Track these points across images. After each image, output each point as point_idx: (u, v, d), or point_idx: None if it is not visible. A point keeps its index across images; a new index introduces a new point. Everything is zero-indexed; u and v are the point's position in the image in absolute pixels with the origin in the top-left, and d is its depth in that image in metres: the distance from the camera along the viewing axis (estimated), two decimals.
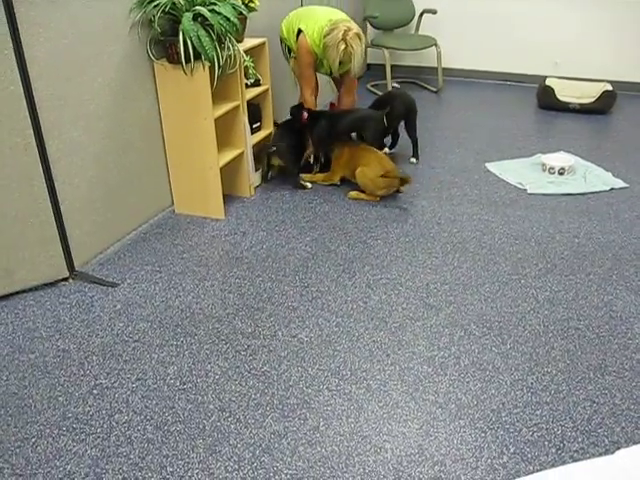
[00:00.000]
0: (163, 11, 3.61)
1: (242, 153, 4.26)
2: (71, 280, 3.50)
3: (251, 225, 4.05)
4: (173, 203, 4.21)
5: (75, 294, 3.40)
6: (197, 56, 3.66)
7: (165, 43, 3.69)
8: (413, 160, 5.00)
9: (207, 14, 3.57)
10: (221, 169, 4.05)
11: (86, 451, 2.45)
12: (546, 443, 2.46)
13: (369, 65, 7.46)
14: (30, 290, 3.41)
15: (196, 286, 3.44)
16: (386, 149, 4.97)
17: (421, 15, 6.83)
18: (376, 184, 4.25)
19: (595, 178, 4.69)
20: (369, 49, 6.94)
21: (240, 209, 4.27)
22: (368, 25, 6.87)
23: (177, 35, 3.58)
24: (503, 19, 6.82)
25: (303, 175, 4.63)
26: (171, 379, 2.80)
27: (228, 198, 4.32)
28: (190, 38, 3.56)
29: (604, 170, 4.82)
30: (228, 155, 4.15)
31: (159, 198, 4.13)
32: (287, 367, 2.85)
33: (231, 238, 3.90)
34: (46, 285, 3.45)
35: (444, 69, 6.75)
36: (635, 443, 2.46)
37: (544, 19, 6.69)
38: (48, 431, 2.54)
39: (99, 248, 3.72)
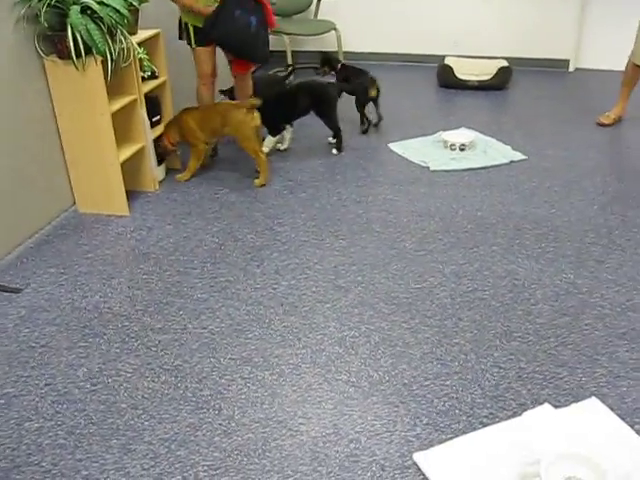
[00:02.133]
0: (49, 5, 3.49)
1: (143, 147, 4.18)
2: None
3: (157, 220, 4.00)
4: (76, 202, 4.11)
5: None
6: (88, 50, 3.56)
7: (54, 38, 3.58)
8: (334, 152, 4.94)
9: (95, 6, 3.48)
10: (123, 165, 3.97)
11: None
12: (457, 412, 2.53)
13: (270, 52, 7.42)
14: None
15: (103, 285, 3.37)
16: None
17: (319, 0, 6.85)
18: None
19: (495, 152, 4.82)
20: (270, 36, 6.90)
21: (145, 204, 4.20)
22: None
23: (66, 29, 3.48)
24: (401, 0, 6.90)
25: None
26: (81, 381, 2.74)
27: (132, 194, 4.24)
28: (79, 32, 3.47)
29: (503, 144, 4.96)
30: (128, 150, 4.07)
31: (60, 198, 4.01)
32: (199, 359, 2.83)
33: (137, 234, 3.84)
34: None
35: (345, 53, 6.77)
36: (541, 404, 2.56)
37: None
38: None
39: (0, 253, 3.60)
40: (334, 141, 4.94)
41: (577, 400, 2.57)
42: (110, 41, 3.60)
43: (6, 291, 3.35)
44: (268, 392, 2.64)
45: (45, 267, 3.55)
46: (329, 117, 4.85)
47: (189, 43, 4.45)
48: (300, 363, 2.79)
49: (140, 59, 3.99)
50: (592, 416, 2.52)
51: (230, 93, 5.00)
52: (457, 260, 3.50)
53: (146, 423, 2.52)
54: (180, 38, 4.48)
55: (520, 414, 2.51)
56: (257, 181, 4.40)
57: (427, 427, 2.46)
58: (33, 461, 2.38)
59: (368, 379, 2.70)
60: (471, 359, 2.80)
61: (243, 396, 2.63)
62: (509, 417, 2.50)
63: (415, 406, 2.56)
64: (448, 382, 2.67)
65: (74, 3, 3.49)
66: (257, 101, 4.36)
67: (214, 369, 2.77)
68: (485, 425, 2.47)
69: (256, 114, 4.34)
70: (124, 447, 2.42)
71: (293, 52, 6.48)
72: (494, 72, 6.24)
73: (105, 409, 2.59)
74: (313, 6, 6.89)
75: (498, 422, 2.48)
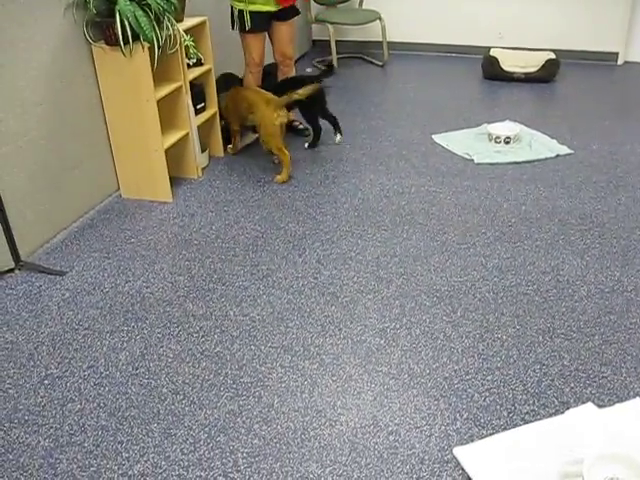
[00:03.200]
0: None
1: (187, 134, 4.20)
2: (17, 271, 3.43)
3: (199, 206, 4.02)
4: (120, 188, 4.15)
5: (22, 285, 3.33)
6: (136, 37, 3.59)
7: (102, 25, 3.62)
8: (338, 138, 4.86)
9: None
10: (167, 151, 4.00)
11: (39, 442, 2.41)
12: (498, 407, 2.50)
13: (314, 41, 7.42)
14: None
15: (145, 270, 3.40)
16: None
17: None
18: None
19: (541, 145, 4.74)
20: (313, 25, 6.91)
21: (188, 191, 4.22)
22: (312, 1, 6.82)
23: (114, 16, 3.50)
24: None
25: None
26: (123, 365, 2.77)
27: (175, 180, 4.27)
28: (127, 19, 3.49)
29: (549, 137, 4.88)
30: (173, 137, 4.10)
31: (105, 183, 4.06)
32: (240, 346, 2.84)
33: (179, 220, 3.87)
34: None
35: (389, 43, 6.74)
36: (583, 402, 2.52)
37: None
38: None
39: (45, 237, 3.65)
40: (339, 137, 4.90)
41: (621, 400, 2.53)
42: (157, 28, 3.62)
43: (50, 274, 3.40)
44: (308, 381, 2.64)
45: (89, 251, 3.59)
46: (323, 110, 4.80)
47: (240, 29, 4.46)
48: (340, 353, 2.79)
49: (186, 46, 4.00)
50: (636, 416, 2.48)
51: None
52: (500, 254, 3.46)
53: (187, 408, 2.54)
54: (233, 27, 4.50)
55: (562, 412, 2.48)
56: (279, 177, 4.33)
57: (467, 422, 2.44)
58: (76, 441, 2.41)
59: (408, 371, 2.68)
60: (513, 355, 2.76)
61: (283, 384, 2.63)
62: (551, 415, 2.47)
63: (455, 400, 2.53)
64: (489, 377, 2.64)
65: None
66: (290, 98, 4.18)
67: (254, 357, 2.78)
68: (526, 422, 2.44)
69: (284, 112, 4.24)
70: (165, 431, 2.44)
71: (337, 41, 6.46)
72: (541, 64, 6.13)
73: (146, 393, 2.62)
74: None
75: (540, 419, 2.45)
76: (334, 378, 2.65)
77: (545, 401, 2.52)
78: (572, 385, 2.60)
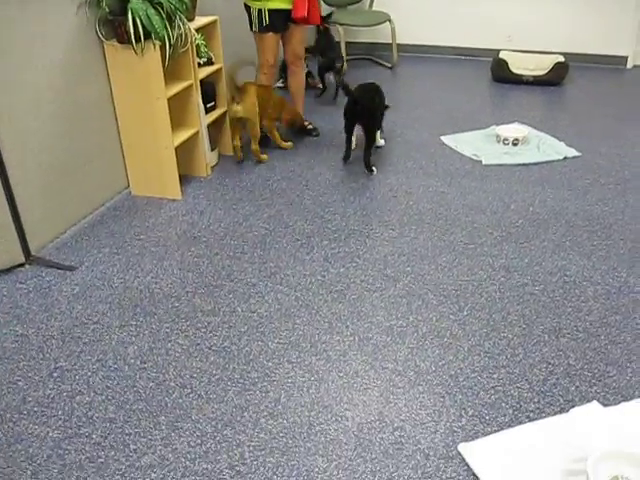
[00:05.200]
0: None
1: (197, 133, 4.23)
2: (28, 265, 3.46)
3: (208, 204, 4.05)
4: (130, 185, 4.18)
5: (32, 279, 3.36)
6: (147, 35, 3.62)
7: (114, 23, 3.65)
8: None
9: None
10: (177, 149, 4.02)
11: (48, 433, 2.44)
12: (503, 405, 2.52)
13: None
14: None
15: (154, 266, 3.43)
16: None
17: None
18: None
19: (549, 148, 4.76)
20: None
21: (197, 189, 4.25)
22: (322, 2, 6.84)
23: (126, 14, 3.54)
24: None
25: None
26: (131, 359, 2.80)
27: (185, 178, 4.30)
28: (139, 17, 3.52)
29: (557, 140, 4.89)
30: (183, 135, 4.13)
31: (115, 180, 4.09)
32: (247, 342, 2.87)
33: (188, 218, 3.89)
34: (2, 271, 3.41)
35: (399, 45, 6.76)
36: (589, 401, 2.53)
37: None
38: (8, 416, 2.52)
39: (56, 232, 3.68)
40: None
41: (626, 399, 2.54)
42: (169, 26, 3.65)
43: (60, 268, 3.44)
44: (314, 377, 2.66)
45: (99, 247, 3.62)
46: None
47: (254, 28, 4.49)
48: (347, 350, 2.80)
49: (197, 45, 4.03)
50: None
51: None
52: (507, 254, 3.47)
53: (194, 402, 2.56)
54: (252, 28, 4.53)
55: (567, 410, 2.49)
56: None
57: (473, 419, 2.45)
58: (84, 433, 2.44)
59: (415, 368, 2.69)
60: (519, 353, 2.77)
61: (290, 380, 2.65)
62: (556, 413, 2.48)
63: (461, 397, 2.55)
64: (495, 375, 2.66)
65: None
66: None
67: (262, 352, 2.80)
68: (531, 420, 2.45)
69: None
70: (172, 424, 2.46)
71: (347, 43, 6.48)
72: (550, 67, 6.15)
73: (154, 386, 2.64)
74: None
75: (545, 417, 2.46)
76: (340, 374, 2.67)
77: (550, 399, 2.54)
78: (577, 384, 2.61)
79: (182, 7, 3.64)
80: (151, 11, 3.54)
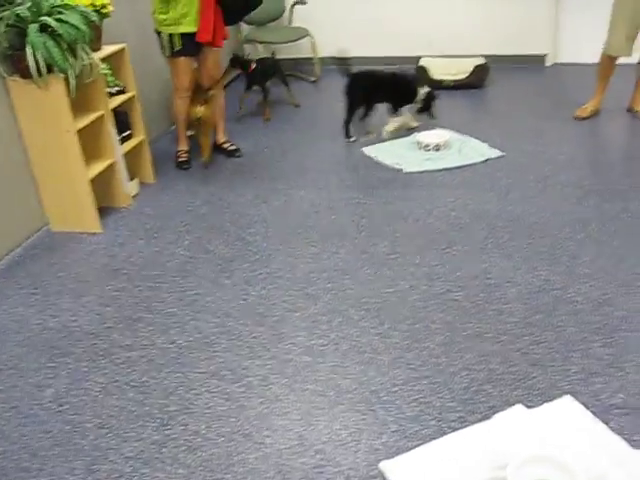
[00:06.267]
0: (7, 24, 3.48)
1: (113, 163, 4.16)
2: None
3: (129, 235, 3.97)
4: (48, 222, 4.08)
5: None
6: (50, 68, 3.54)
7: (13, 57, 3.56)
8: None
9: (54, 24, 3.46)
10: (93, 181, 3.95)
11: None
12: (426, 417, 2.50)
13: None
14: None
15: (73, 304, 3.34)
16: None
17: (292, 7, 6.83)
18: None
19: (471, 150, 4.79)
20: (244, 45, 6.90)
21: (118, 220, 4.17)
22: (241, 21, 6.82)
23: (25, 48, 3.45)
24: (374, 3, 6.89)
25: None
26: (48, 402, 2.71)
27: (105, 210, 4.21)
28: (39, 50, 3.45)
29: (480, 142, 4.92)
30: (98, 166, 4.05)
31: (31, 218, 3.99)
32: (166, 375, 2.80)
33: (108, 251, 3.81)
34: None
35: (321, 59, 6.76)
36: (512, 405, 2.52)
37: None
38: None
39: None
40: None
41: (551, 399, 2.54)
42: (72, 58, 3.57)
43: None
44: (235, 405, 2.61)
45: (16, 288, 3.52)
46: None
47: (167, 53, 4.45)
48: (268, 374, 2.76)
49: (104, 74, 3.96)
50: (566, 415, 2.49)
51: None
52: (429, 262, 3.47)
53: (111, 442, 2.49)
54: (164, 54, 4.50)
55: (491, 417, 2.48)
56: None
57: (395, 434, 2.43)
58: None
59: (335, 388, 2.66)
60: (441, 362, 2.76)
61: (209, 410, 2.60)
62: (479, 420, 2.47)
63: (383, 413, 2.52)
64: (417, 387, 2.64)
65: (32, 22, 3.46)
66: None
67: (181, 384, 2.74)
68: (455, 429, 2.44)
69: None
70: (88, 468, 2.39)
71: None
72: (470, 71, 6.22)
73: (70, 429, 2.56)
74: (287, 13, 6.87)
75: (468, 426, 2.45)
76: (261, 400, 2.63)
77: (473, 407, 2.53)
78: (500, 388, 2.61)
79: (83, 37, 3.57)
80: (50, 43, 3.46)
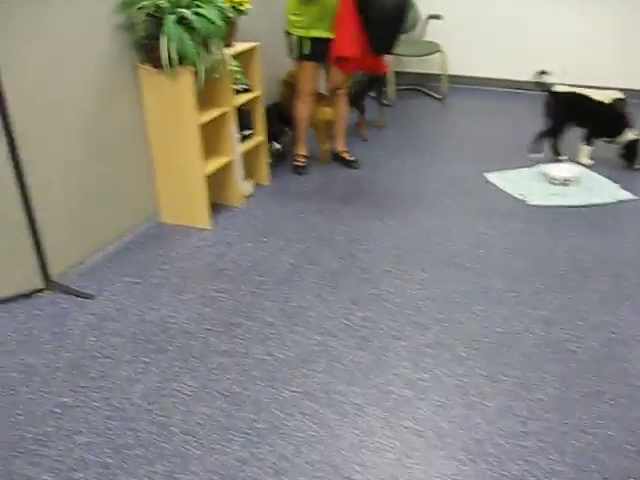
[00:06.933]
0: (147, 14, 3.48)
1: (231, 161, 4.11)
2: (47, 291, 3.36)
3: (238, 236, 3.90)
4: (159, 212, 4.07)
5: (49, 306, 3.26)
6: (182, 60, 3.52)
7: (148, 46, 3.56)
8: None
9: (191, 17, 3.44)
10: (210, 177, 3.91)
11: (39, 475, 2.30)
12: (531, 478, 2.28)
13: None
14: (3, 302, 3.27)
15: (173, 299, 3.29)
16: None
17: (427, 20, 6.67)
18: None
19: (601, 190, 4.48)
20: None
21: (228, 219, 4.12)
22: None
23: (160, 38, 3.44)
24: (510, 24, 6.62)
25: None
26: (137, 398, 2.65)
27: (217, 207, 4.17)
28: (173, 41, 3.43)
29: (611, 182, 4.60)
30: (216, 163, 4.01)
31: (144, 207, 3.99)
32: (259, 388, 2.69)
33: (215, 249, 3.75)
34: (20, 296, 3.31)
35: (450, 76, 6.56)
36: None
37: (552, 24, 6.49)
38: (3, 452, 2.40)
39: (79, 258, 3.59)
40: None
41: None
42: (204, 52, 3.54)
43: (79, 296, 3.33)
44: (326, 432, 2.46)
45: (120, 275, 3.51)
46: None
47: (294, 56, 4.38)
48: (365, 404, 2.60)
49: (233, 71, 3.92)
50: None
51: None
52: (548, 305, 3.22)
53: (196, 452, 2.39)
54: (292, 55, 4.45)
55: None
56: None
57: None
58: (77, 478, 2.29)
59: (435, 429, 2.47)
60: (553, 419, 2.53)
61: (300, 434, 2.46)
62: None
63: (485, 467, 2.32)
64: (524, 442, 2.42)
65: (171, 13, 3.45)
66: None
67: (273, 400, 2.62)
68: None
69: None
70: (169, 475, 2.30)
71: (396, 73, 6.33)
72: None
73: (156, 431, 2.48)
74: (420, 27, 6.71)
75: None
76: (355, 431, 2.47)
77: (585, 475, 2.29)
78: (617, 459, 2.35)
79: (217, 33, 3.53)
80: (185, 36, 3.44)
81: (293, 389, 2.68)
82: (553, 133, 4.96)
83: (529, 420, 2.52)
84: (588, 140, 4.93)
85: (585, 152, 4.94)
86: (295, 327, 3.06)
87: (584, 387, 2.69)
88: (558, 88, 4.96)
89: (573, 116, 4.93)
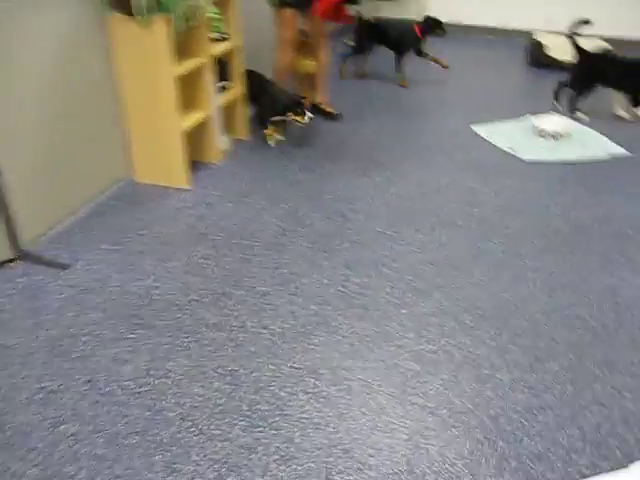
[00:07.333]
0: None
1: (208, 116, 3.85)
2: (18, 261, 3.12)
3: (219, 196, 3.68)
4: (134, 172, 3.82)
5: (21, 278, 3.02)
6: (155, 7, 3.24)
7: None
8: None
9: None
10: (186, 133, 3.66)
11: (25, 471, 2.11)
12: (551, 456, 2.16)
13: None
14: None
15: (156, 267, 3.08)
16: None
17: None
18: None
19: (593, 144, 4.34)
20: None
21: (206, 177, 3.88)
22: None
23: None
24: None
25: None
26: (126, 380, 2.46)
27: (193, 164, 3.92)
28: None
29: (602, 136, 4.45)
30: (193, 118, 3.75)
31: (117, 166, 3.73)
32: (257, 365, 2.52)
33: (196, 211, 3.54)
34: None
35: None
36: None
37: None
38: None
39: (50, 223, 3.34)
40: None
41: None
42: None
43: (53, 266, 3.09)
44: (334, 413, 2.31)
45: (97, 242, 3.28)
46: None
47: (274, 3, 4.14)
48: (371, 380, 2.45)
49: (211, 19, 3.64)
50: None
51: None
52: (550, 268, 3.09)
53: (195, 438, 2.22)
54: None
55: (626, 465, 2.13)
56: None
57: (516, 474, 2.10)
58: (67, 472, 2.11)
59: (448, 406, 2.34)
60: (568, 391, 2.41)
61: (305, 415, 2.30)
62: (612, 468, 2.12)
63: (502, 445, 2.20)
64: (541, 418, 2.30)
65: None
66: None
67: (274, 378, 2.45)
68: (584, 477, 2.10)
69: None
70: (168, 465, 2.13)
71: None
72: None
73: (150, 417, 2.30)
74: None
75: (599, 473, 2.11)
76: (364, 410, 2.32)
77: (606, 451, 2.18)
78: (637, 432, 2.25)
79: None
80: None
81: (294, 365, 2.51)
82: (581, 91, 4.77)
83: (544, 393, 2.40)
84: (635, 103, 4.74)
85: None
86: (289, 296, 2.88)
87: (596, 356, 2.58)
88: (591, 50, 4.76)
89: (605, 78, 4.72)
